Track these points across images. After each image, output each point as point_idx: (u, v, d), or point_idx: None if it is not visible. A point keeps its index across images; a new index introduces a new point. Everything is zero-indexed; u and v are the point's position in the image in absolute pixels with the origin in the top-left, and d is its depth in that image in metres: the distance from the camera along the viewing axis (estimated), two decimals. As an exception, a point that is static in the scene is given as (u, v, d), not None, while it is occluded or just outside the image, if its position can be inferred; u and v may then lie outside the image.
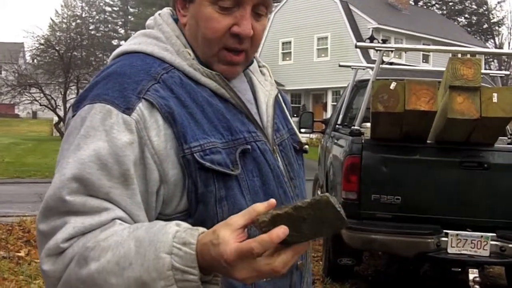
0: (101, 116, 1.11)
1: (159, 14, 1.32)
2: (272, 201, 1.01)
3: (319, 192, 8.17)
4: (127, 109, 1.12)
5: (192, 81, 1.21)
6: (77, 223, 1.06)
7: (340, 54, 23.65)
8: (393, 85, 4.17)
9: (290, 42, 33.37)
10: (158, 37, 1.26)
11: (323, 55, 31.50)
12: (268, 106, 1.34)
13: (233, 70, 1.26)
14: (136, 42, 1.27)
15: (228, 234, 0.97)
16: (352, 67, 6.96)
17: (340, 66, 7.31)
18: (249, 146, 1.21)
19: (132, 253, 1.00)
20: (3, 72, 37.26)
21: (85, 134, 1.11)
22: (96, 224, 1.07)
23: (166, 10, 1.33)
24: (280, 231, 0.96)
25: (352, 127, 5.19)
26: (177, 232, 1.00)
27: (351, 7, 31.13)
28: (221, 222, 1.01)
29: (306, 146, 1.43)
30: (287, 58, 33.64)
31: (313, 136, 21.89)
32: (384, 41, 5.57)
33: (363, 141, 4.81)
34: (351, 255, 5.30)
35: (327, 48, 31.34)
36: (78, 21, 57.33)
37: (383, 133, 4.64)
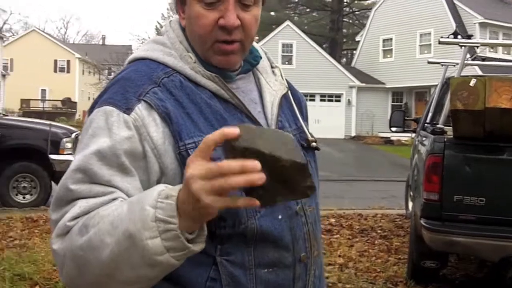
0: (105, 117, 1.23)
1: (170, 21, 1.41)
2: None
3: (411, 194, 7.93)
4: (127, 109, 1.23)
5: (193, 84, 1.30)
6: (82, 203, 1.17)
7: (444, 50, 22.73)
8: (473, 82, 4.01)
9: (391, 39, 32.61)
10: (164, 43, 1.36)
11: (426, 51, 30.46)
12: (274, 105, 1.39)
13: (229, 59, 1.31)
14: (145, 48, 1.38)
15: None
16: (442, 63, 6.75)
17: (428, 63, 7.11)
18: None
19: (124, 213, 1.09)
20: (112, 73, 39.16)
21: (93, 133, 1.23)
22: (99, 203, 1.17)
23: (177, 17, 1.40)
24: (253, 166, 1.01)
25: (437, 125, 5.04)
26: (162, 190, 1.08)
27: (455, 1, 29.94)
28: None
29: (314, 144, 1.44)
30: (388, 56, 32.90)
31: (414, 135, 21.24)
32: (469, 37, 5.30)
33: (445, 139, 4.65)
34: (436, 258, 5.14)
35: (430, 44, 30.26)
36: (183, 23, 59.22)
37: (465, 131, 4.46)
